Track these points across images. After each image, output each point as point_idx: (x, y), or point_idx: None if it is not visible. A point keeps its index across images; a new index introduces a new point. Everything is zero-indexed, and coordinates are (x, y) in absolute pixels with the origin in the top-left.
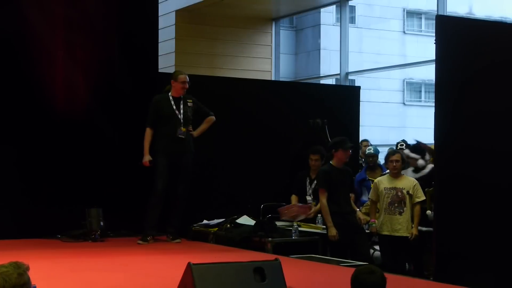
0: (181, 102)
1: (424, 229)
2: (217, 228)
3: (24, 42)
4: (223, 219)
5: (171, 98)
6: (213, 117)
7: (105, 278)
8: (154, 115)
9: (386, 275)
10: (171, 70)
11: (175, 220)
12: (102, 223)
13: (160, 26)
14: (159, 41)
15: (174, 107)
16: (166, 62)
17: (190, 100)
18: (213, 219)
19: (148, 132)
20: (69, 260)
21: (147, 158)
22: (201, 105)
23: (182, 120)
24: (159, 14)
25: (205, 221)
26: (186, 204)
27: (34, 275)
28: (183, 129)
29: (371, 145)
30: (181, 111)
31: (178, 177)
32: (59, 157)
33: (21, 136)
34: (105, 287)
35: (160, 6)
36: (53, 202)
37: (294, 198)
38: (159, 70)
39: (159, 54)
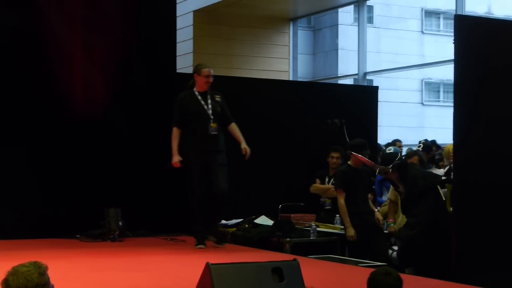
0: (208, 97)
1: None
2: (235, 228)
3: (43, 42)
4: (241, 219)
5: (197, 93)
6: (235, 124)
7: (123, 278)
8: (181, 113)
9: (403, 276)
10: (189, 70)
11: (216, 222)
12: (120, 223)
13: (178, 26)
14: (177, 41)
15: (202, 102)
16: (184, 63)
17: (219, 96)
18: (231, 219)
19: (176, 132)
20: (87, 260)
21: (176, 158)
22: (226, 106)
23: (212, 116)
24: (177, 14)
25: (223, 221)
26: (227, 201)
27: (53, 275)
28: (213, 125)
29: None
30: (209, 106)
31: (215, 177)
32: (78, 157)
33: (40, 136)
34: (124, 287)
35: (178, 6)
36: (72, 202)
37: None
38: (177, 71)
39: (177, 54)
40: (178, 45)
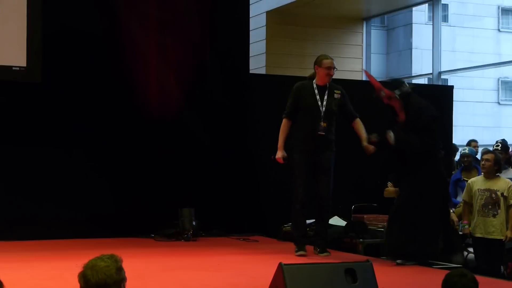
0: (327, 92)
1: None
2: (308, 229)
3: (119, 45)
4: (314, 220)
5: (315, 86)
6: (359, 120)
7: (197, 277)
8: (294, 104)
9: (479, 278)
10: (262, 71)
11: (323, 230)
12: (194, 223)
13: (251, 27)
14: (250, 42)
15: (318, 97)
16: (257, 63)
17: (338, 92)
18: None
19: (285, 124)
20: (161, 259)
21: (280, 154)
22: (348, 101)
23: (322, 114)
24: (250, 15)
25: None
26: (331, 211)
27: (127, 274)
28: (323, 124)
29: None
30: (324, 102)
31: (318, 184)
32: (152, 158)
33: (116, 138)
34: (197, 286)
35: (251, 7)
36: (147, 202)
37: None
38: (250, 71)
39: (250, 55)
40: (251, 46)
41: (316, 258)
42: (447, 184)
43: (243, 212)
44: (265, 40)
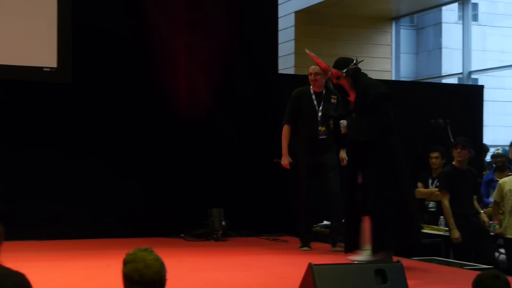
0: (323, 98)
1: None
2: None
3: (148, 45)
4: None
5: (312, 92)
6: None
7: (226, 277)
8: (292, 111)
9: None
10: (291, 71)
11: (338, 225)
12: (224, 223)
13: (279, 27)
14: (278, 42)
15: (315, 102)
16: (285, 63)
17: (335, 97)
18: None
19: (286, 129)
20: (191, 259)
21: (286, 160)
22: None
23: (319, 119)
24: (279, 15)
25: (325, 222)
26: (342, 205)
27: None
28: (321, 128)
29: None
30: (321, 108)
31: (327, 182)
32: (182, 158)
33: (144, 138)
34: (227, 286)
35: (279, 7)
36: (176, 202)
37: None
38: (279, 71)
39: (279, 55)
40: (279, 46)
41: (340, 257)
42: (405, 167)
43: (272, 212)
44: (293, 40)
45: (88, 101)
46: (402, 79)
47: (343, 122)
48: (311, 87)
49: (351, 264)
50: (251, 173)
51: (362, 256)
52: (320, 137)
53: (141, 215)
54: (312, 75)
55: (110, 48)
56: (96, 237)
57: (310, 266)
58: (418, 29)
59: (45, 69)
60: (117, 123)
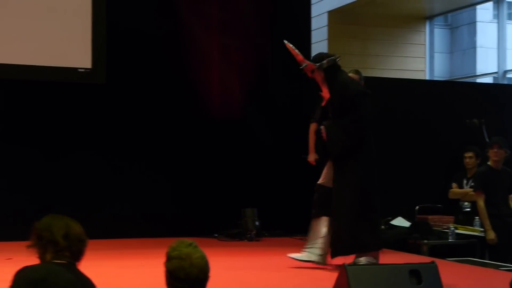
0: None
1: None
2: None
3: (181, 46)
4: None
5: None
6: None
7: (260, 277)
8: (319, 109)
9: None
10: None
11: None
12: (257, 223)
13: (312, 27)
14: (311, 42)
15: None
16: None
17: None
18: None
19: (313, 127)
20: (225, 258)
21: (312, 157)
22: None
23: None
24: (312, 15)
25: None
26: None
27: None
28: None
29: None
30: None
31: None
32: (216, 158)
33: (178, 137)
34: (261, 286)
35: (312, 7)
36: (210, 202)
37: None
38: None
39: (312, 55)
40: (312, 46)
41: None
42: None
43: (306, 212)
44: (326, 40)
45: (122, 102)
46: (436, 78)
47: (323, 128)
48: None
49: (385, 264)
50: (285, 173)
51: (301, 254)
52: None
53: (175, 215)
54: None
55: (144, 48)
56: (129, 237)
57: (345, 267)
58: (452, 28)
59: (79, 70)
60: (150, 124)
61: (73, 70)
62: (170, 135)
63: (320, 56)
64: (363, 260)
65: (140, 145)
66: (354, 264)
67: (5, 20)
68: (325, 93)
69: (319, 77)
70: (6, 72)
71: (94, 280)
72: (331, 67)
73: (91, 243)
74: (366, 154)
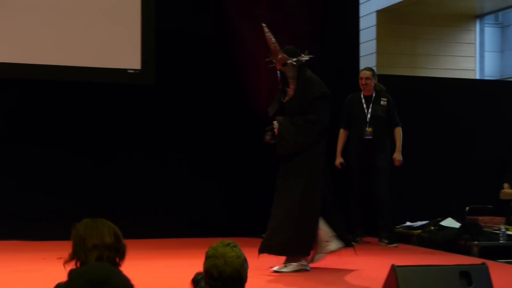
0: (373, 100)
1: None
2: (420, 230)
3: (229, 46)
4: (427, 221)
5: (362, 96)
6: (400, 129)
7: (314, 277)
8: (346, 115)
9: None
10: None
11: (385, 224)
12: None
13: (361, 27)
14: (360, 42)
15: (365, 105)
16: (367, 63)
17: (385, 99)
18: (416, 221)
19: (341, 133)
20: (274, 259)
21: (338, 160)
22: (394, 109)
23: (368, 120)
24: (360, 15)
25: (408, 223)
26: (390, 206)
27: None
28: (368, 129)
29: None
30: (370, 109)
31: (374, 182)
32: (262, 159)
33: (227, 138)
34: (315, 286)
35: (361, 6)
36: (258, 202)
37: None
38: None
39: (360, 55)
40: (361, 46)
41: (424, 258)
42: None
43: (348, 213)
44: (375, 40)
45: (171, 103)
46: (486, 78)
47: (275, 124)
48: (361, 92)
49: (435, 265)
50: (331, 174)
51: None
52: (366, 137)
53: (222, 216)
54: (363, 80)
55: (193, 49)
56: (178, 237)
57: (394, 268)
58: (503, 27)
59: (129, 71)
60: (200, 124)
61: (123, 71)
62: (219, 136)
63: (295, 51)
64: (295, 265)
65: (189, 146)
66: (285, 267)
67: (58, 23)
68: (291, 90)
69: (290, 72)
70: (58, 73)
71: (144, 279)
72: (303, 64)
73: (142, 243)
74: (315, 157)
